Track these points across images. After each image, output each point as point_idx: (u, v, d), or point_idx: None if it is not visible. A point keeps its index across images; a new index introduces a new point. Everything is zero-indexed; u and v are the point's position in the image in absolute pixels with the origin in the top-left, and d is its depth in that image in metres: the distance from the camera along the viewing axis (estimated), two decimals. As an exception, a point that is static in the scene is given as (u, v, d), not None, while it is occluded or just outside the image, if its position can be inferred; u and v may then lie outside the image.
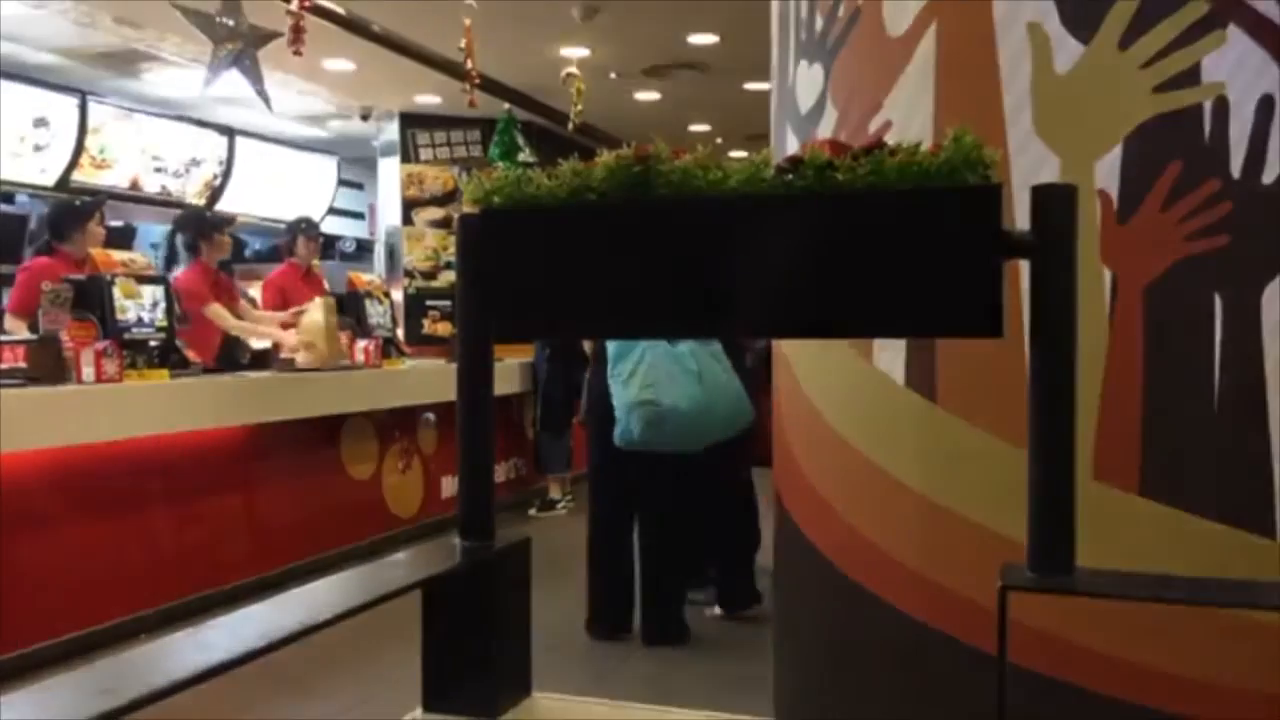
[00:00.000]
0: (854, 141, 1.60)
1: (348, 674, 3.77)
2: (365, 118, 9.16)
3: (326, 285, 6.49)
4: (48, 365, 3.87)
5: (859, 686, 2.12)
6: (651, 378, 3.92)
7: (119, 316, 4.26)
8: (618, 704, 1.94)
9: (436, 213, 9.32)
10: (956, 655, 1.83)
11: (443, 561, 1.67)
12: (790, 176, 1.36)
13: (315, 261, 6.60)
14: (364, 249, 10.63)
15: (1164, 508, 1.67)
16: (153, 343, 4.43)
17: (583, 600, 4.58)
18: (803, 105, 2.26)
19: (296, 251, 6.43)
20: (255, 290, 7.76)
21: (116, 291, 4.29)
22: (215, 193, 8.83)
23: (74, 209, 5.06)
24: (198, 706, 1.32)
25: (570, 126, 7.27)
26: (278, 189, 9.45)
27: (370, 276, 7.39)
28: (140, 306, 4.41)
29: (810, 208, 1.35)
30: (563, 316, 1.57)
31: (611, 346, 4.02)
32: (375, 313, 6.15)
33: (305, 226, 6.68)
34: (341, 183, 10.28)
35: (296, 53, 5.02)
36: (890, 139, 1.62)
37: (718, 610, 4.52)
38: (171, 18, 5.23)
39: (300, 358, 5.19)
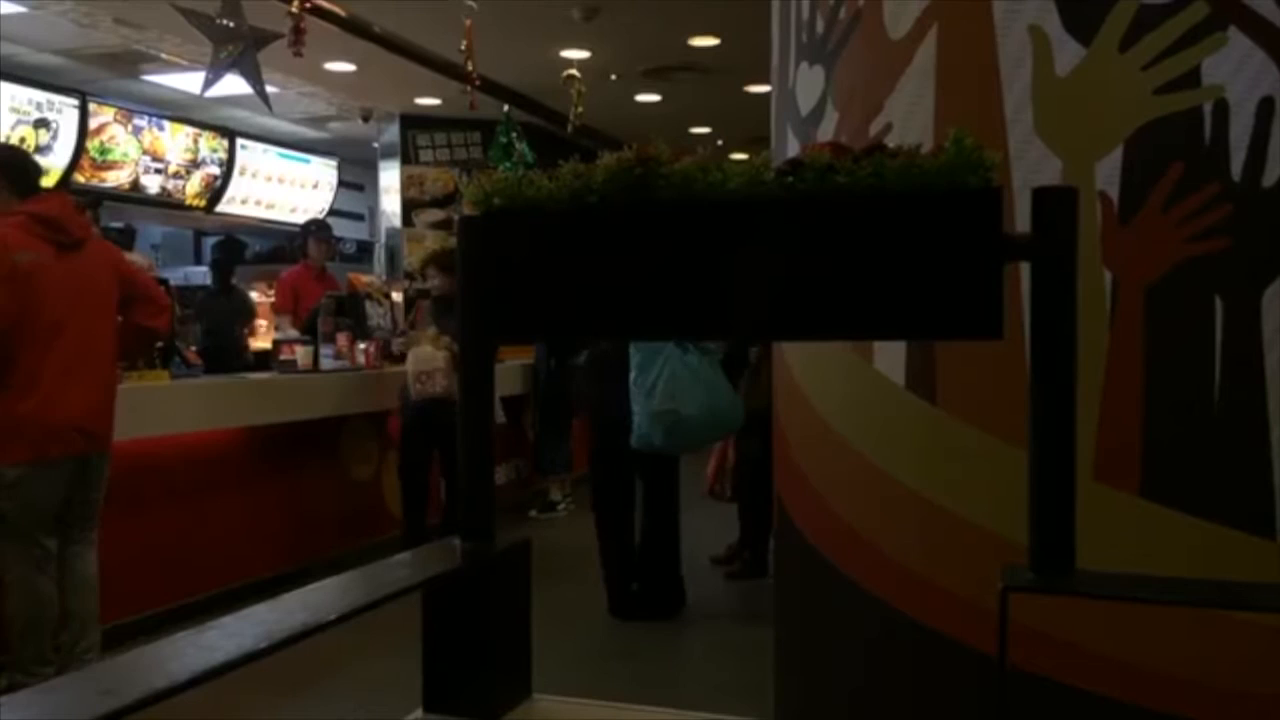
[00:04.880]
0: (855, 143, 1.60)
1: (348, 675, 3.77)
2: (366, 119, 9.17)
3: (341, 286, 6.52)
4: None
5: (859, 687, 2.12)
6: (672, 388, 4.26)
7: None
8: (618, 705, 1.94)
9: (437, 214, 9.32)
10: (956, 656, 1.83)
11: (443, 563, 1.66)
12: (791, 179, 1.36)
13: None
14: (364, 250, 10.64)
15: (1164, 508, 1.67)
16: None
17: (583, 601, 4.60)
18: (803, 107, 2.27)
19: (309, 253, 6.50)
20: (255, 292, 7.80)
21: (117, 293, 4.28)
22: (215, 194, 8.84)
23: None
24: (198, 708, 1.32)
25: (570, 128, 7.28)
26: (278, 190, 9.46)
27: (370, 278, 7.40)
28: (141, 308, 4.40)
29: (811, 210, 1.35)
30: (563, 318, 1.56)
31: (635, 357, 4.31)
32: (375, 314, 6.17)
33: (316, 228, 6.75)
34: (342, 184, 10.29)
35: (297, 54, 5.02)
36: (891, 141, 1.63)
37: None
38: (172, 18, 5.24)
39: (416, 390, 5.16)
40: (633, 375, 4.29)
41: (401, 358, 5.59)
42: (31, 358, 3.39)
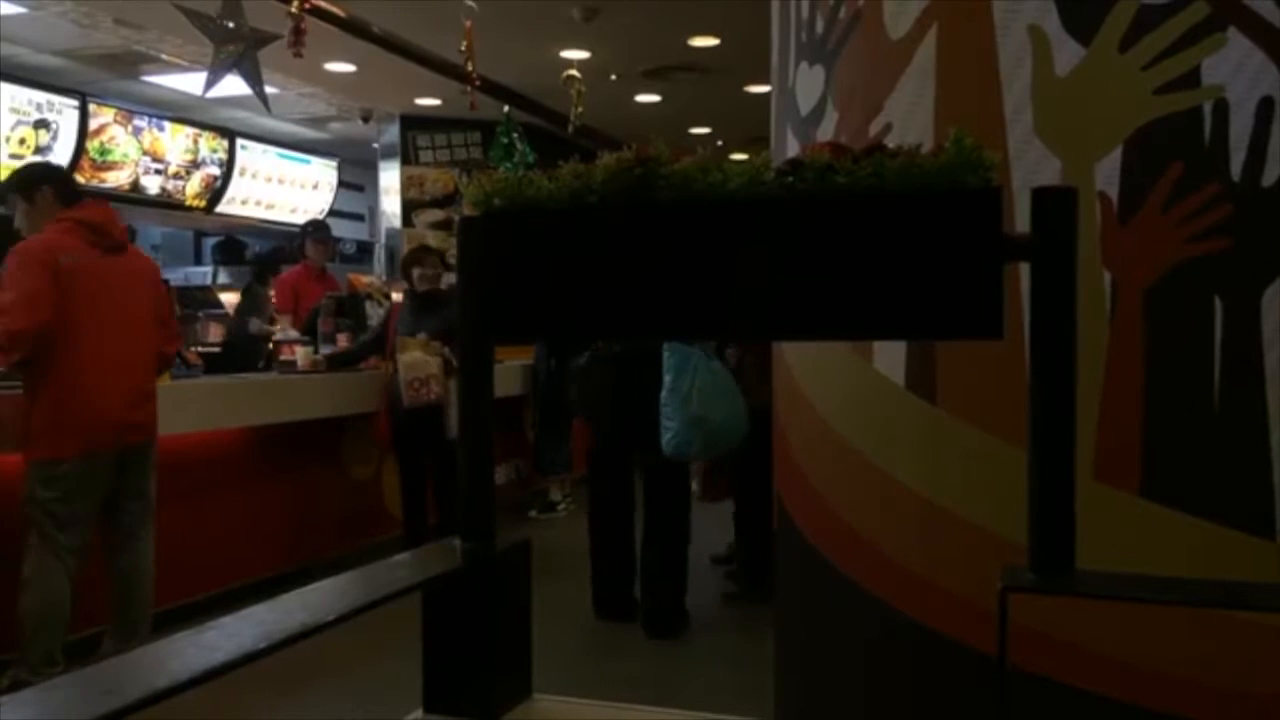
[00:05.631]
0: (855, 143, 1.60)
1: (348, 675, 3.77)
2: (366, 120, 9.17)
3: (341, 286, 6.54)
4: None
5: (859, 688, 2.12)
6: (704, 396, 4.21)
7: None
8: (618, 705, 1.94)
9: (437, 215, 9.32)
10: (956, 656, 1.83)
11: (443, 563, 1.67)
12: (791, 179, 1.36)
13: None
14: (365, 251, 10.65)
15: (1164, 508, 1.67)
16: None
17: (583, 601, 4.59)
18: (803, 107, 2.27)
19: (307, 254, 6.55)
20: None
21: (117, 293, 4.32)
22: (215, 195, 8.84)
23: None
24: (198, 707, 1.32)
25: (570, 129, 7.28)
26: (278, 191, 9.47)
27: (370, 278, 7.41)
28: (141, 308, 4.42)
29: (811, 210, 1.36)
30: (563, 318, 1.57)
31: (670, 362, 4.25)
32: (375, 314, 6.18)
33: (313, 229, 6.80)
34: (342, 185, 10.29)
35: (297, 54, 5.03)
36: (891, 141, 1.63)
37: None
38: (172, 19, 5.24)
39: (409, 397, 5.02)
40: (668, 381, 4.22)
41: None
42: (77, 354, 3.60)
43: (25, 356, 3.54)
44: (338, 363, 5.49)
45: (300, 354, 5.41)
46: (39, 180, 3.82)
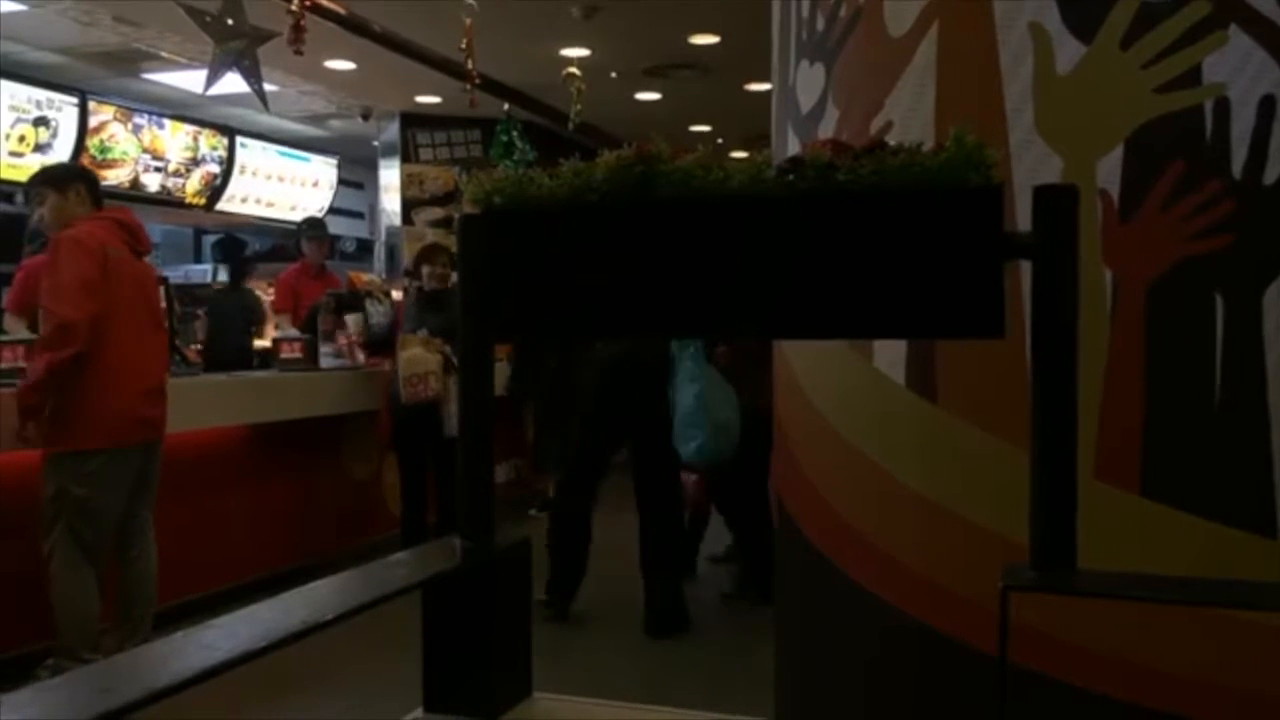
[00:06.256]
0: (855, 141, 1.59)
1: (348, 674, 3.77)
2: (366, 117, 9.17)
3: (342, 284, 6.54)
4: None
5: (860, 687, 2.12)
6: (717, 400, 4.24)
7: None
8: (618, 704, 1.94)
9: (437, 212, 9.32)
10: (957, 655, 1.83)
11: (443, 561, 1.67)
12: (791, 177, 1.36)
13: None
14: (365, 248, 10.64)
15: (1165, 507, 1.67)
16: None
17: (583, 600, 4.59)
18: (804, 105, 2.26)
19: (304, 253, 6.57)
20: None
21: (117, 291, 4.33)
22: (215, 192, 8.84)
23: None
24: (198, 707, 1.32)
25: (570, 126, 7.27)
26: (278, 188, 9.46)
27: (371, 276, 7.41)
28: (141, 306, 4.43)
29: (811, 208, 1.35)
30: (563, 316, 1.56)
31: (696, 371, 4.25)
32: (376, 312, 6.17)
33: (308, 228, 6.81)
34: (342, 182, 10.29)
35: (297, 52, 5.02)
36: (892, 139, 1.62)
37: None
38: (172, 17, 5.24)
39: (407, 394, 5.06)
40: (694, 390, 4.19)
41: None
42: (111, 348, 3.66)
43: (80, 350, 3.50)
44: (371, 339, 5.63)
45: (351, 321, 5.56)
46: (74, 177, 3.94)
